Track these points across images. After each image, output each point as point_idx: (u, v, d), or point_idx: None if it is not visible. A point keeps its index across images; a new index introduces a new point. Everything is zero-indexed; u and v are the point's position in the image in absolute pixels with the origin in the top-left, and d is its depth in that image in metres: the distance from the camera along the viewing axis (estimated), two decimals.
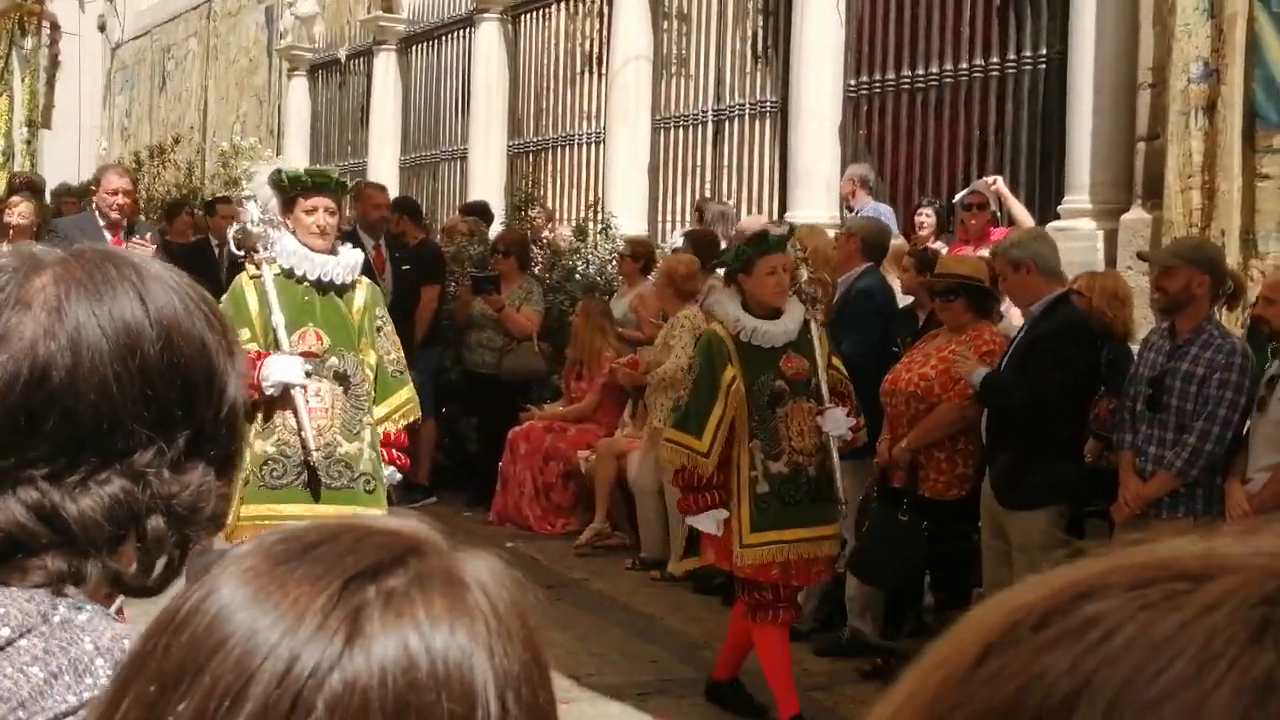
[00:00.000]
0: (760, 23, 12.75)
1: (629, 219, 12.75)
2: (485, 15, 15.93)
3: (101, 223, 8.97)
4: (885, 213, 9.91)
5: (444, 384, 11.14)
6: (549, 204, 14.39)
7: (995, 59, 10.27)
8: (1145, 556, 0.47)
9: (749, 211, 11.91)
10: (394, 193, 15.69)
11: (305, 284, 6.00)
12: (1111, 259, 8.70)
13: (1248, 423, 6.00)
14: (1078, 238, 8.87)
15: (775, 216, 11.24)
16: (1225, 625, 0.42)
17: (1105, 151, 9.03)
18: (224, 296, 5.88)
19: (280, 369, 5.80)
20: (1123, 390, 6.47)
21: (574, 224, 13.30)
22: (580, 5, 15.04)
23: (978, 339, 6.93)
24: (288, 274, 5.98)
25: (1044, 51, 9.87)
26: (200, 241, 12.03)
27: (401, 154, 18.11)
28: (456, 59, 16.91)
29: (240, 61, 22.88)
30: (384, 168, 17.94)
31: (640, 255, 10.57)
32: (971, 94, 10.50)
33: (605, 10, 14.33)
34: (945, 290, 7.05)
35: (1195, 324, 6.10)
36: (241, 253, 6.11)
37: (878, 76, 11.28)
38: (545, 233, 12.60)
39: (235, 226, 6.30)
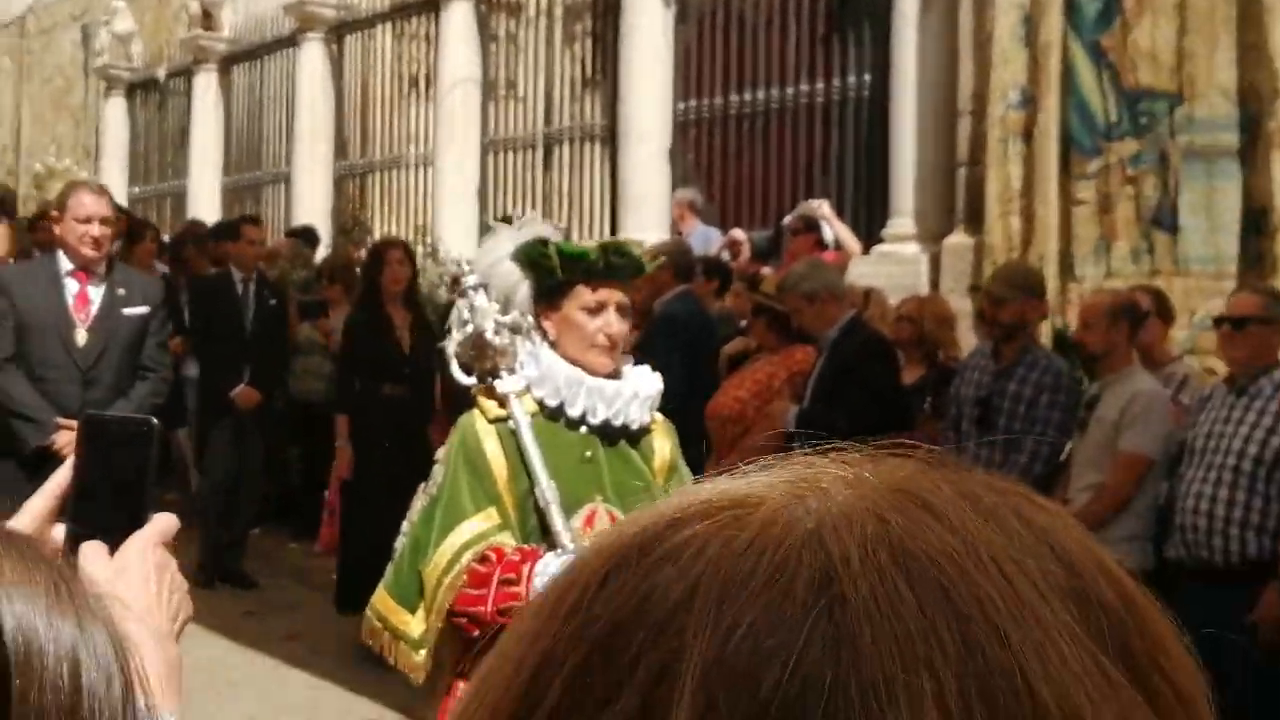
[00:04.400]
0: (589, 46, 12.76)
1: (458, 243, 12.66)
2: (309, 35, 15.72)
3: (66, 267, 6.35)
4: (714, 236, 9.97)
5: (267, 412, 10.91)
6: (375, 227, 14.21)
7: (820, 85, 10.42)
8: (708, 493, 0.59)
9: (580, 236, 11.90)
10: (216, 216, 15.40)
11: (583, 430, 3.78)
12: (935, 282, 8.86)
13: (1067, 445, 6.14)
14: (902, 261, 9.02)
15: (606, 239, 11.22)
16: (781, 535, 0.55)
17: (928, 177, 9.21)
18: (445, 451, 3.81)
19: None
20: (945, 411, 6.58)
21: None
22: (406, 26, 14.91)
23: (789, 359, 7.00)
24: (552, 414, 3.76)
25: (867, 78, 10.04)
26: (221, 276, 9.70)
27: (224, 176, 17.76)
28: (280, 79, 16.65)
29: (55, 80, 22.26)
30: (205, 190, 17.59)
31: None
32: (798, 119, 10.63)
33: (432, 32, 14.23)
34: (753, 310, 7.23)
35: (1020, 346, 6.26)
36: (470, 378, 3.80)
37: (706, 101, 11.37)
38: (356, 255, 12.44)
39: (459, 333, 3.78)
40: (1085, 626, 0.53)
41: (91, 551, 1.35)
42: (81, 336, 6.30)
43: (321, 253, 12.86)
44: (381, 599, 3.80)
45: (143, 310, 6.50)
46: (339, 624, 8.21)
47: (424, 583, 3.64)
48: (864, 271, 8.68)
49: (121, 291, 6.46)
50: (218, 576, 9.14)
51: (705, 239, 9.76)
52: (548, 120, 13.09)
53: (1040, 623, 0.52)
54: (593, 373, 3.72)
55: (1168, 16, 7.74)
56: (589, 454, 3.75)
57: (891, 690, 0.50)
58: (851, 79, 10.19)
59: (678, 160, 11.47)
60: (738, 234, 9.72)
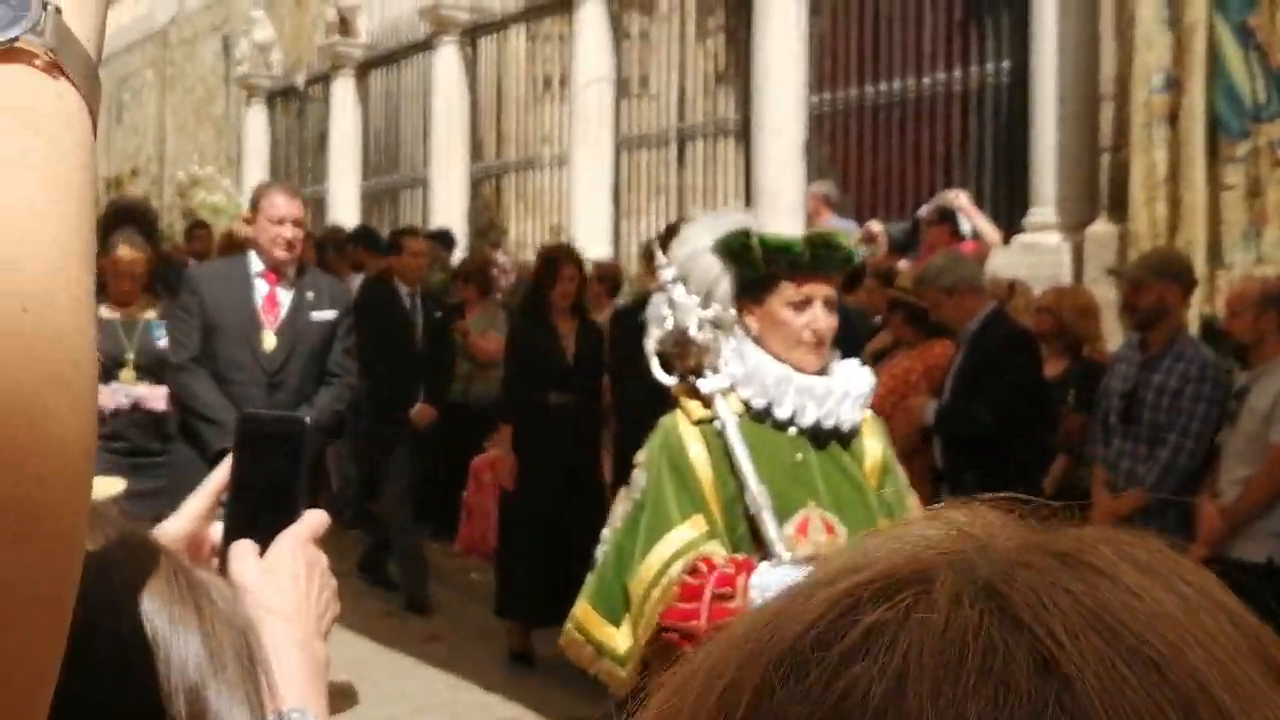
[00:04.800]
0: (722, 41, 12.70)
1: (593, 242, 12.67)
2: (443, 38, 15.85)
3: (257, 267, 6.20)
4: (850, 229, 9.84)
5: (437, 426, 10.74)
6: (512, 227, 14.29)
7: (958, 73, 10.24)
8: (860, 570, 0.57)
9: None
10: (354, 221, 15.61)
11: (792, 431, 3.55)
12: (1078, 272, 8.65)
13: (1218, 436, 5.95)
14: (1044, 251, 8.83)
15: None
16: (973, 616, 0.52)
17: (1069, 164, 8.99)
18: (646, 455, 3.60)
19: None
20: (1095, 404, 6.41)
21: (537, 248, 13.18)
22: (539, 27, 14.97)
23: (926, 354, 6.88)
24: (759, 414, 3.54)
25: (1006, 65, 9.85)
26: (387, 290, 9.34)
27: (362, 180, 17.99)
28: (416, 83, 16.82)
29: (197, 91, 22.74)
30: (344, 195, 17.83)
31: (607, 278, 10.47)
32: (934, 108, 10.47)
33: (565, 32, 14.26)
34: (889, 305, 7.12)
35: (1167, 336, 6.06)
36: (670, 376, 3.59)
37: (840, 93, 11.25)
38: (498, 257, 12.48)
39: (659, 330, 3.56)
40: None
41: (241, 550, 1.35)
42: (269, 340, 6.16)
43: (457, 255, 12.94)
44: (584, 611, 3.61)
45: (331, 315, 6.32)
46: (480, 624, 8.25)
47: (630, 595, 3.44)
48: (1005, 262, 8.51)
49: (310, 295, 6.29)
50: (381, 583, 9.15)
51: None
52: (681, 116, 13.05)
53: (1256, 699, 0.53)
54: (799, 370, 3.51)
55: None
56: (800, 456, 3.52)
57: None
58: (989, 66, 10.00)
59: (812, 154, 11.36)
60: (875, 226, 9.59)
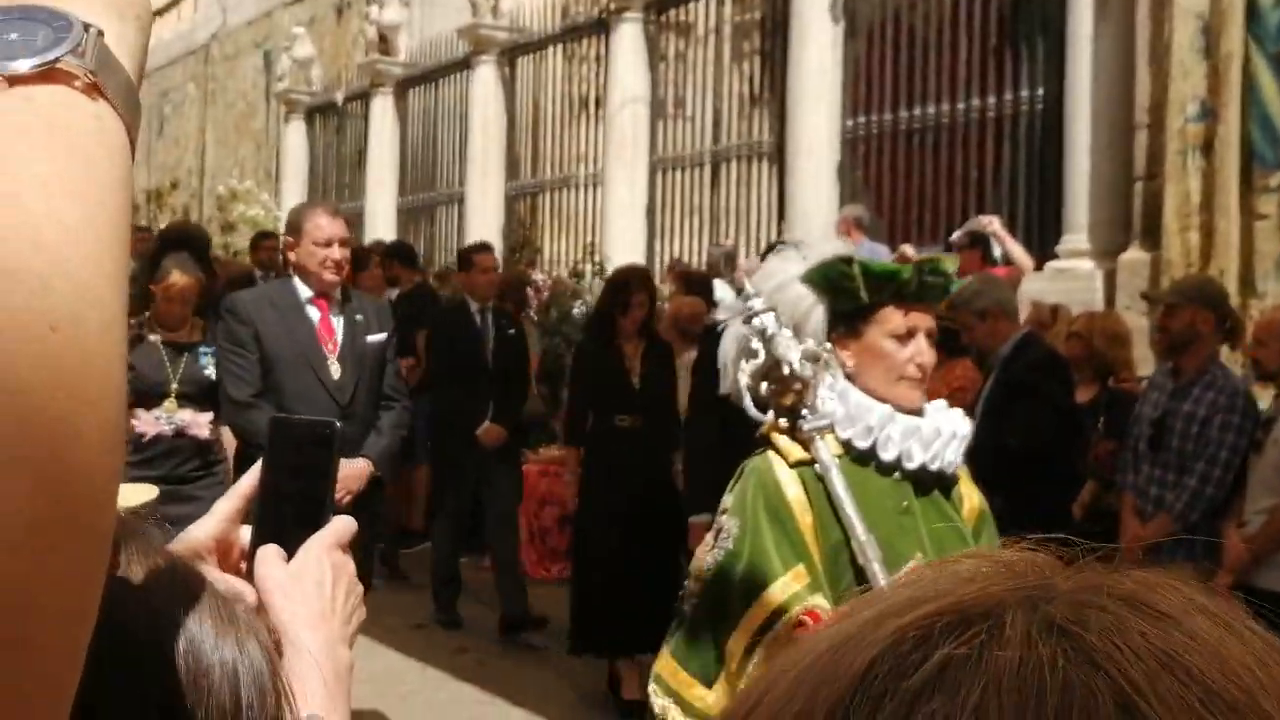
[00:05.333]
0: (758, 64, 12.75)
1: (626, 260, 12.71)
2: (482, 58, 15.95)
3: (305, 294, 5.81)
4: (882, 253, 9.86)
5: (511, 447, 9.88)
6: (545, 246, 14.35)
7: (992, 99, 10.27)
8: (922, 604, 0.57)
9: (747, 254, 11.88)
10: (391, 236, 15.70)
11: (896, 476, 3.27)
12: (1110, 299, 8.66)
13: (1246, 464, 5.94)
14: (1077, 278, 8.83)
15: None
16: (1046, 653, 0.53)
17: (1103, 191, 9.01)
18: (736, 500, 3.30)
19: None
20: (1126, 431, 6.41)
21: (570, 267, 13.27)
22: (577, 48, 15.06)
23: (949, 375, 6.89)
24: (861, 457, 3.25)
25: (1040, 92, 9.87)
26: (458, 308, 9.09)
27: (399, 197, 18.10)
28: (454, 101, 16.93)
29: (238, 105, 22.92)
30: (381, 211, 17.94)
31: None
32: (969, 134, 10.49)
33: (602, 53, 14.34)
34: None
35: (1199, 363, 6.04)
36: (766, 415, 3.29)
37: (875, 117, 11.28)
38: (535, 276, 12.55)
39: (749, 365, 3.27)
40: None
41: (268, 555, 1.34)
42: (335, 369, 5.80)
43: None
44: (670, 670, 3.30)
45: (381, 337, 5.99)
46: (502, 638, 8.29)
47: (727, 654, 3.17)
48: (1038, 288, 8.52)
49: (360, 318, 5.93)
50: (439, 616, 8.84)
51: (873, 255, 9.65)
52: (716, 138, 13.11)
53: None
54: (903, 410, 3.24)
55: None
56: (906, 504, 3.25)
57: None
58: (1024, 92, 10.02)
59: (846, 176, 11.39)
60: (907, 250, 9.61)
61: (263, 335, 5.73)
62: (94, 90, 0.71)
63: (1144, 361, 7.37)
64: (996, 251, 8.80)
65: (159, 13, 25.67)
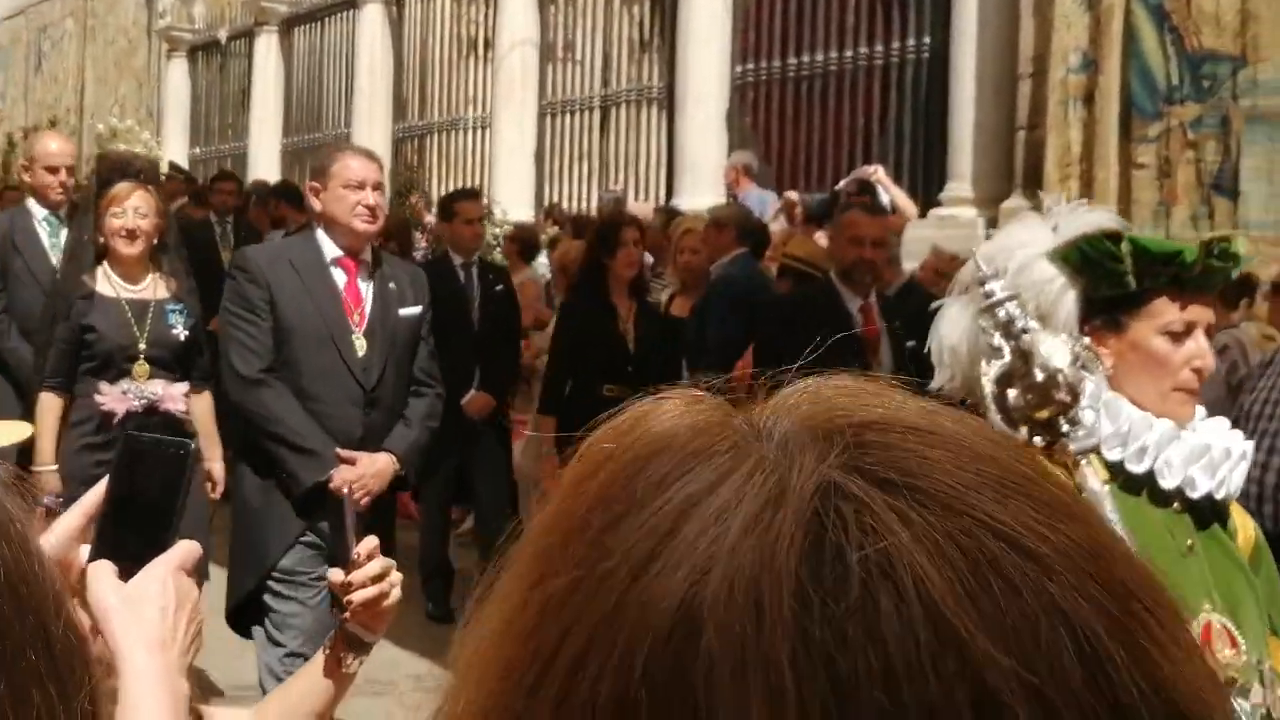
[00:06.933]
0: (647, 9, 12.71)
1: (514, 205, 12.66)
2: None
3: (332, 252, 4.96)
4: (769, 200, 9.92)
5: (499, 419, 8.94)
6: (433, 189, 14.24)
7: (880, 47, 10.34)
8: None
9: (636, 198, 11.88)
10: (275, 177, 15.49)
11: (1173, 508, 2.65)
12: None
13: None
14: (959, 225, 8.94)
15: (662, 203, 11.23)
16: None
17: (986, 140, 9.12)
18: None
19: None
20: None
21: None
22: None
23: None
24: (1132, 484, 2.63)
25: (927, 40, 9.95)
26: (439, 261, 8.15)
27: (283, 138, 17.85)
28: (340, 41, 16.70)
29: (119, 42, 22.43)
30: (265, 152, 17.69)
31: (522, 240, 10.49)
32: (856, 82, 10.56)
33: None
34: (779, 271, 7.13)
35: None
36: (1020, 429, 2.56)
37: (764, 64, 11.30)
38: (427, 218, 12.48)
39: (993, 366, 2.58)
40: None
41: (100, 572, 1.28)
42: (360, 345, 4.95)
43: None
44: None
45: (416, 310, 5.17)
46: None
47: None
48: (921, 235, 8.62)
49: (393, 286, 5.09)
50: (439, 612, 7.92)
51: (760, 203, 9.71)
52: (605, 83, 13.07)
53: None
54: (1181, 423, 2.63)
55: None
56: (1190, 542, 2.62)
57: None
58: (911, 41, 10.10)
59: (735, 123, 11.42)
60: (792, 196, 9.68)
61: (278, 300, 4.90)
62: None
63: None
64: (884, 199, 8.88)
65: None
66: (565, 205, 12.79)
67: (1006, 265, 2.64)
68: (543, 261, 10.16)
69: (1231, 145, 7.63)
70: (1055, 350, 2.51)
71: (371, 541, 2.21)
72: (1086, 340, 2.58)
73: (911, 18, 10.12)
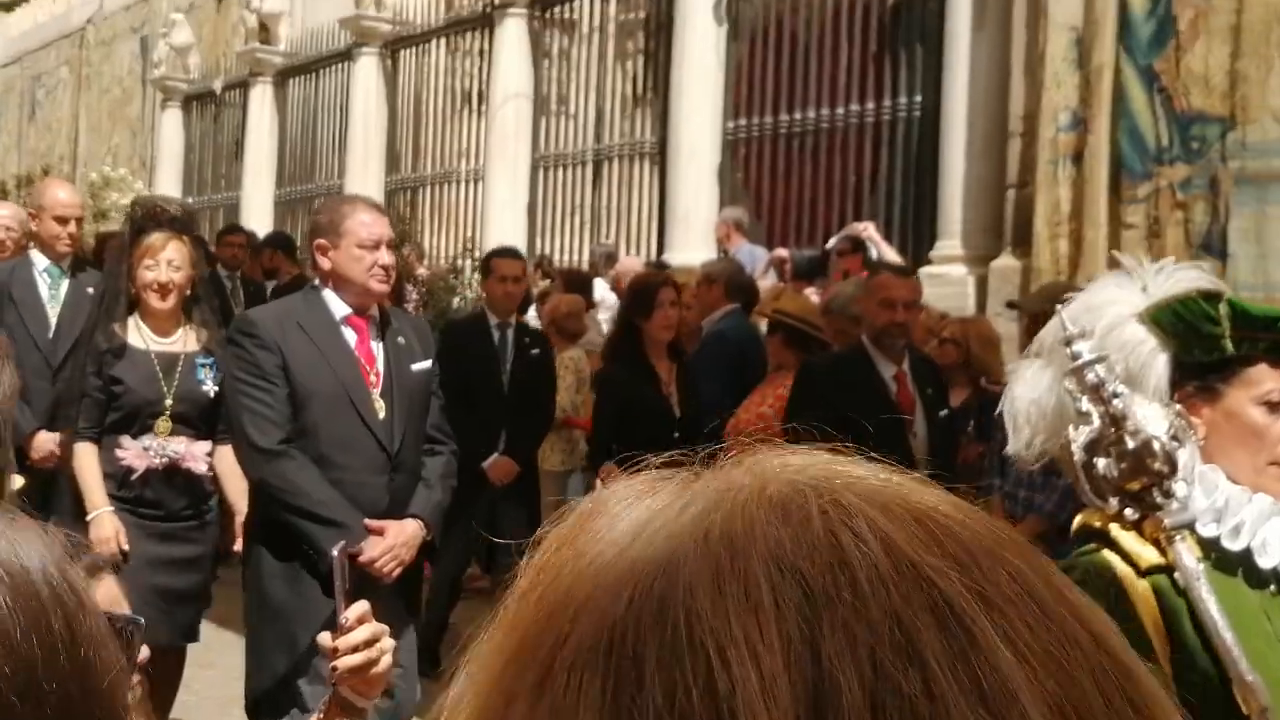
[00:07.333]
0: (641, 64, 12.78)
1: None
2: (364, 49, 15.82)
3: (341, 311, 4.72)
4: (760, 255, 9.95)
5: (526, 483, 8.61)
6: (425, 241, 14.27)
7: (871, 105, 10.39)
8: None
9: (627, 252, 11.91)
10: (269, 228, 15.52)
11: (1269, 590, 2.46)
12: (982, 304, 8.80)
13: None
14: (949, 283, 8.96)
15: (653, 257, 11.26)
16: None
17: (977, 198, 9.15)
18: None
19: None
20: (991, 435, 6.51)
21: (450, 261, 13.21)
22: (460, 42, 14.99)
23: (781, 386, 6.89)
24: (1225, 562, 2.44)
25: (919, 99, 10.00)
26: (475, 321, 7.98)
27: (276, 188, 17.89)
28: (334, 93, 16.77)
29: (113, 91, 22.50)
30: (258, 202, 17.73)
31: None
32: (848, 139, 10.60)
33: (486, 47, 14.29)
34: (769, 327, 7.10)
35: None
36: (1109, 501, 2.44)
37: (756, 120, 11.36)
38: (419, 270, 12.50)
39: (1081, 433, 2.38)
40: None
41: None
42: (380, 406, 4.73)
43: None
44: None
45: (426, 365, 4.95)
46: None
47: None
48: None
49: (402, 340, 4.87)
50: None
51: (751, 258, 9.73)
52: (598, 137, 13.12)
53: None
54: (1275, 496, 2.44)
55: (1221, 40, 7.67)
56: None
57: None
58: (902, 99, 10.15)
59: (726, 178, 11.46)
60: (782, 252, 9.71)
61: (291, 364, 4.65)
62: None
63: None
64: (875, 256, 8.91)
65: None
66: (557, 258, 12.82)
67: (1094, 326, 2.50)
68: (532, 315, 10.16)
69: (1220, 207, 7.67)
70: (1151, 417, 2.38)
71: (361, 607, 2.20)
72: (1178, 408, 2.44)
73: (903, 76, 10.18)
